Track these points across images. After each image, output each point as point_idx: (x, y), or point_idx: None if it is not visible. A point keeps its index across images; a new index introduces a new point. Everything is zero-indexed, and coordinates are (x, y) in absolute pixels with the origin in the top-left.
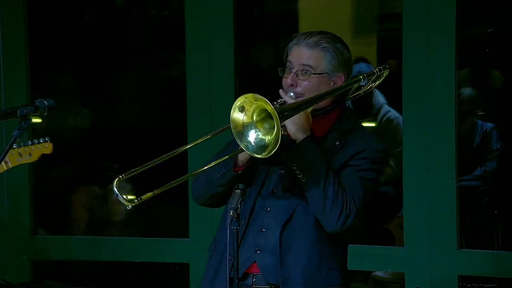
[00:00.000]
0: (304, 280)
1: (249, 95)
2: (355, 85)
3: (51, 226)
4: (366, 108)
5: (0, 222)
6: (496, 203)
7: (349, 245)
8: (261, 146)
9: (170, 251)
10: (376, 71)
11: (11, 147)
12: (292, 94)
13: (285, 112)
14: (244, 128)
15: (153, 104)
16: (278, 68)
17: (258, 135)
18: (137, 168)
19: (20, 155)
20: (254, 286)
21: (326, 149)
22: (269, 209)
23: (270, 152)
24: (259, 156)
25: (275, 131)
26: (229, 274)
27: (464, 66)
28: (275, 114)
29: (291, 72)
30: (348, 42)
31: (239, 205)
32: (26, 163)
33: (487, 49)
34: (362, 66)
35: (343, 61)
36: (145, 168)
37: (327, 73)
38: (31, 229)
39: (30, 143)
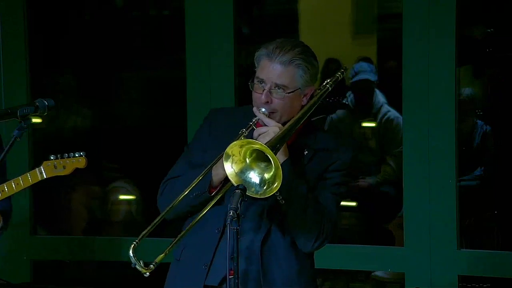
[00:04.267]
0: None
1: (234, 143)
2: (324, 95)
3: (51, 226)
4: (366, 108)
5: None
6: (496, 203)
7: (349, 245)
8: (263, 183)
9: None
10: (339, 75)
11: (11, 147)
12: (264, 110)
13: (277, 145)
14: (240, 175)
15: (153, 104)
16: (249, 83)
17: (257, 174)
18: (148, 228)
19: (55, 167)
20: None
21: (296, 159)
22: (243, 216)
23: (275, 190)
24: (265, 195)
25: (273, 167)
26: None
27: (463, 66)
28: (269, 152)
29: (264, 89)
30: (348, 42)
31: (239, 205)
32: (60, 175)
33: (487, 49)
34: (362, 65)
35: (314, 74)
36: (155, 225)
37: (299, 88)
38: (31, 229)
39: (66, 156)
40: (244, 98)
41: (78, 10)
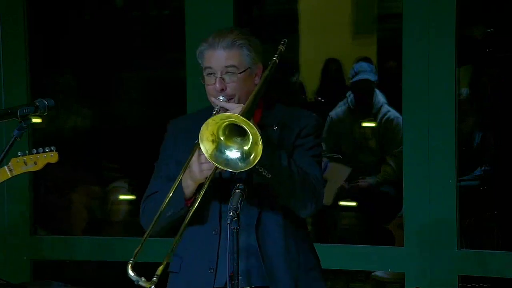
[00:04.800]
0: (287, 270)
1: (205, 123)
2: (274, 67)
3: (51, 226)
4: (366, 108)
5: (0, 222)
6: (496, 203)
7: (349, 245)
8: (245, 157)
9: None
10: (281, 47)
11: (11, 147)
12: (222, 98)
13: (250, 112)
14: (216, 154)
15: (153, 104)
16: (199, 78)
17: (235, 150)
18: (139, 247)
19: (25, 163)
20: None
21: (269, 137)
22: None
23: (257, 157)
24: (248, 167)
25: (251, 136)
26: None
27: (463, 66)
28: (242, 119)
29: (216, 77)
30: (348, 42)
31: (239, 205)
32: (30, 172)
33: (487, 49)
34: (362, 65)
35: (258, 52)
36: (144, 242)
37: (249, 67)
38: (31, 229)
39: (35, 151)
40: None
41: (78, 10)
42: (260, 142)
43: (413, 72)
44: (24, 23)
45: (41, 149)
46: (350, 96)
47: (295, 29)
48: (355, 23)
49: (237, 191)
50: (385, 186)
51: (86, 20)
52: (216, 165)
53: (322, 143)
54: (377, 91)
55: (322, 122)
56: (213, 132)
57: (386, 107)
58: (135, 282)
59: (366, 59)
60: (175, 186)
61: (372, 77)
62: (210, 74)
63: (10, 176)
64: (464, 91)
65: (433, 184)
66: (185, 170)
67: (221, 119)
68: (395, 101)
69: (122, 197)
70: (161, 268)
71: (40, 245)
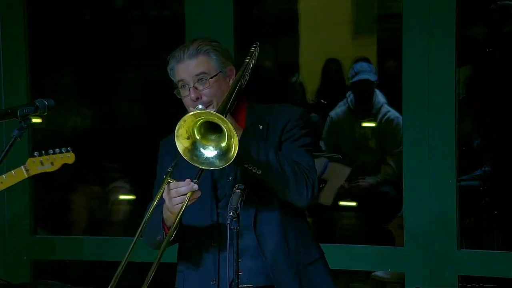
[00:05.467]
0: (289, 264)
1: (181, 120)
2: (249, 69)
3: (51, 226)
4: (366, 108)
5: (0, 222)
6: (496, 203)
7: (349, 245)
8: (223, 152)
9: (170, 251)
10: (253, 49)
11: (11, 147)
12: (200, 106)
13: (224, 109)
14: (193, 152)
15: (153, 104)
16: (174, 92)
17: (211, 148)
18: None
19: (42, 163)
20: (241, 286)
21: (256, 136)
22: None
23: (235, 152)
24: (227, 163)
25: (226, 132)
26: None
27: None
28: (219, 117)
29: (189, 88)
30: (348, 42)
31: (239, 205)
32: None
33: (487, 49)
34: (362, 65)
35: (226, 55)
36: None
37: (220, 71)
38: (31, 229)
39: (52, 152)
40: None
41: (78, 10)
42: (235, 135)
43: (413, 72)
44: (24, 23)
45: (57, 150)
46: (350, 96)
47: (295, 29)
48: (355, 23)
49: (237, 191)
50: (385, 186)
51: (86, 20)
52: (195, 164)
53: (309, 132)
54: (377, 91)
55: (306, 112)
56: (188, 130)
57: (386, 107)
58: None
59: (366, 59)
60: (147, 217)
61: (372, 77)
62: (184, 86)
63: (26, 176)
64: (464, 91)
65: (433, 184)
66: (154, 204)
67: (195, 117)
68: (395, 101)
69: (122, 197)
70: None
71: (40, 245)
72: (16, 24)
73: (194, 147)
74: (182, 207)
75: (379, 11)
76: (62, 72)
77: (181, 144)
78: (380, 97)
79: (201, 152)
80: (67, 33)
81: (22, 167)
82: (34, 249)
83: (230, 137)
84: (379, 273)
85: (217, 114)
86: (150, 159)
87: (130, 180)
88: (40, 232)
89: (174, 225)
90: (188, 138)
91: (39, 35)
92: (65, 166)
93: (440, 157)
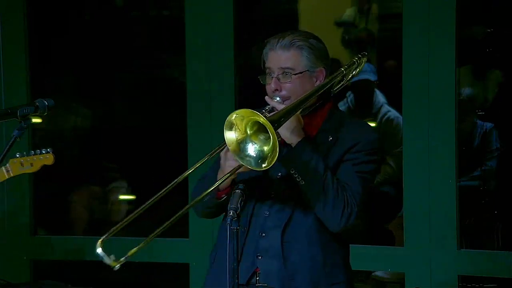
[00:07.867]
0: (309, 279)
1: (238, 111)
2: (338, 78)
3: (51, 226)
4: (366, 108)
5: (0, 222)
6: (496, 203)
7: (349, 245)
8: (261, 158)
9: (170, 251)
10: (356, 60)
11: (11, 147)
12: (278, 98)
13: (281, 119)
14: (240, 145)
15: (153, 104)
16: (259, 77)
17: (255, 147)
18: (119, 225)
19: (22, 164)
20: (258, 284)
21: (320, 145)
22: (267, 213)
23: (271, 163)
24: (260, 169)
25: (271, 141)
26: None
27: (463, 66)
28: (268, 124)
29: (272, 77)
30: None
31: (239, 205)
32: (26, 173)
33: (487, 49)
34: None
35: (320, 55)
36: (131, 219)
37: (307, 70)
38: (31, 229)
39: (33, 153)
40: (244, 98)
41: (78, 10)
42: (277, 147)
43: (413, 72)
44: (24, 23)
45: (38, 151)
46: (350, 96)
47: (295, 29)
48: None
49: (237, 191)
50: (385, 186)
51: (86, 20)
52: (235, 156)
53: (374, 160)
54: (377, 91)
55: (377, 139)
56: (242, 122)
57: (386, 107)
58: (100, 257)
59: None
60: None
61: (372, 77)
62: (269, 74)
63: (7, 177)
64: (464, 91)
65: (433, 184)
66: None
67: (251, 114)
68: (395, 101)
69: (122, 197)
70: (133, 250)
71: (40, 245)
72: (16, 24)
73: (241, 141)
74: (232, 170)
75: (379, 11)
76: (62, 72)
77: (233, 134)
78: (380, 97)
79: (245, 147)
80: (67, 33)
81: (3, 167)
82: (34, 249)
83: (273, 148)
84: (379, 273)
85: (269, 124)
86: (150, 159)
87: (130, 180)
88: (40, 232)
89: (224, 177)
90: (235, 131)
91: (39, 35)
92: (65, 166)
93: (440, 157)
